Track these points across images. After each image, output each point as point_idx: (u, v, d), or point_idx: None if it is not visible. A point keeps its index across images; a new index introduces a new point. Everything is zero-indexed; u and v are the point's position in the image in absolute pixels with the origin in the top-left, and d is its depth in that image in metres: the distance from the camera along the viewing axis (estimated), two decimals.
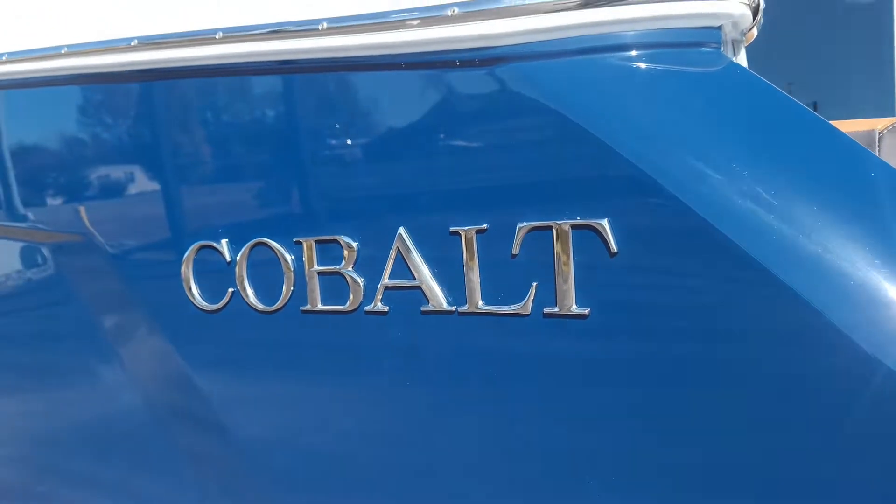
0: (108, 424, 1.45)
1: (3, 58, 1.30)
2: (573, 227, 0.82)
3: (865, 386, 0.72)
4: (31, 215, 1.38)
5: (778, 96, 0.79)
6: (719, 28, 0.82)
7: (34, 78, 1.27)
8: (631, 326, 0.82)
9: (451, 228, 0.90)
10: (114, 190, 1.24)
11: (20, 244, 1.45)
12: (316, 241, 1.01)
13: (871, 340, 0.71)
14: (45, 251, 1.40)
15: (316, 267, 1.01)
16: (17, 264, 1.49)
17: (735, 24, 0.83)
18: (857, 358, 0.71)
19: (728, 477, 0.81)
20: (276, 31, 0.99)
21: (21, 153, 1.36)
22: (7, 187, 1.38)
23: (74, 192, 1.29)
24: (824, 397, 0.75)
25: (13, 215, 1.40)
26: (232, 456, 1.25)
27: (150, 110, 1.13)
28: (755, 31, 0.87)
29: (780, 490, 0.80)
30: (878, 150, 1.12)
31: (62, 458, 1.54)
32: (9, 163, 1.37)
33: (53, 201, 1.33)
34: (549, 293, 0.84)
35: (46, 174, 1.32)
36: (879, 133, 1.14)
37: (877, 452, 0.73)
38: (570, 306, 0.83)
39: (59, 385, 1.51)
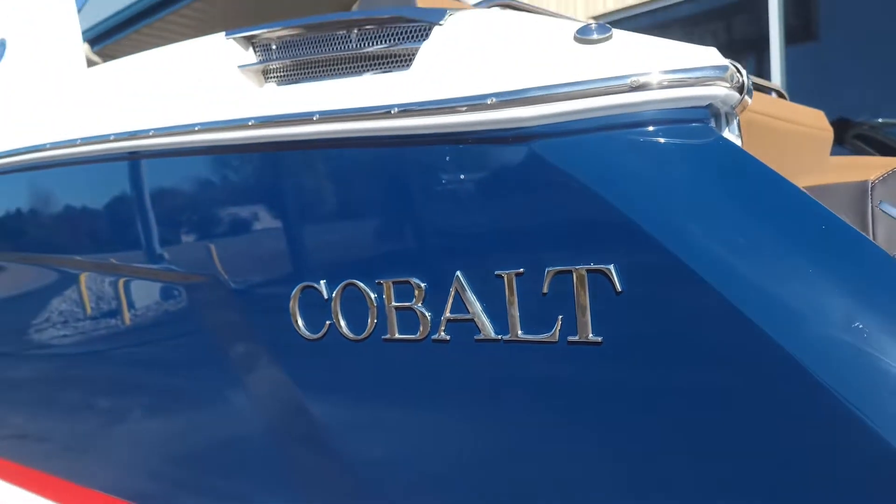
0: (228, 442, 1.71)
1: (150, 132, 1.61)
2: (588, 271, 1.01)
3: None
4: (169, 259, 1.68)
5: (754, 164, 0.95)
6: (707, 107, 0.99)
7: (171, 149, 1.57)
8: (633, 352, 1.00)
9: (496, 272, 1.10)
10: (239, 241, 1.51)
11: (159, 284, 1.76)
12: (393, 282, 1.24)
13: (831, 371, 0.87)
14: (180, 289, 1.69)
15: (393, 303, 1.24)
16: (155, 300, 1.80)
17: (723, 102, 1.00)
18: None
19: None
20: (363, 114, 1.23)
21: (165, 210, 1.67)
22: (150, 237, 1.69)
23: (207, 242, 1.58)
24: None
25: (156, 260, 1.71)
26: (330, 471, 1.48)
27: (268, 180, 1.40)
28: (748, 102, 1.03)
29: None
30: (871, 201, 1.23)
31: (191, 474, 1.83)
32: (153, 217, 1.68)
33: (190, 249, 1.63)
34: (571, 324, 1.03)
35: (185, 229, 1.61)
36: (872, 183, 1.26)
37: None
38: (588, 335, 1.02)
39: (186, 407, 1.79)
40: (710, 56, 0.99)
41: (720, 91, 0.97)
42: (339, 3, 4.08)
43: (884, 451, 0.85)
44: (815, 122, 2.39)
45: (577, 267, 1.02)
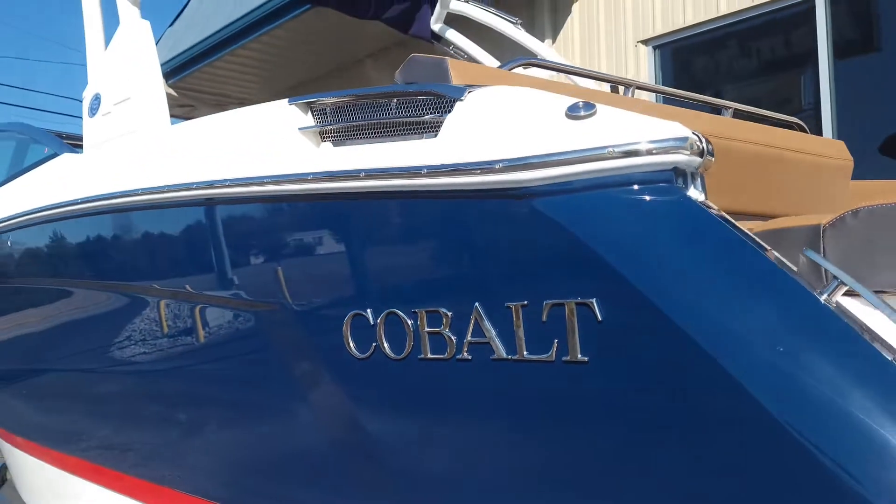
0: (294, 452, 1.98)
1: (226, 183, 1.90)
2: (577, 304, 1.25)
3: None
4: (241, 289, 1.96)
5: (706, 216, 1.17)
6: (672, 170, 1.21)
7: (242, 197, 1.85)
8: (611, 369, 1.24)
9: (506, 304, 1.35)
10: (300, 274, 1.79)
11: (232, 310, 2.04)
12: (426, 311, 1.49)
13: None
14: (251, 315, 1.97)
15: (426, 329, 1.49)
16: (228, 324, 2.08)
17: (687, 165, 1.22)
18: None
19: None
20: (399, 173, 1.49)
21: (237, 248, 1.95)
22: (224, 270, 1.98)
23: (273, 275, 1.86)
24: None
25: (230, 289, 1.99)
26: (380, 475, 1.74)
27: (323, 226, 1.68)
28: (710, 162, 1.25)
29: None
30: (823, 246, 1.41)
31: (266, 482, 2.11)
32: (227, 253, 1.96)
33: (258, 281, 1.91)
34: (564, 346, 1.27)
35: (254, 265, 1.90)
36: (823, 227, 1.44)
37: None
38: (577, 355, 1.25)
39: (257, 421, 2.07)
40: (674, 129, 1.21)
41: (682, 157, 1.20)
42: (375, 42, 4.34)
43: (792, 441, 1.05)
44: (834, 153, 2.57)
45: (568, 300, 1.25)
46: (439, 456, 1.57)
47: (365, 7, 4.56)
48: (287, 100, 1.75)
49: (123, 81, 2.49)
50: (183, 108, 12.75)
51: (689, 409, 1.17)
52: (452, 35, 4.64)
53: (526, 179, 1.28)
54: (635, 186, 1.21)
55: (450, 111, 1.43)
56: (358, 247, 1.62)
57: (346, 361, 1.63)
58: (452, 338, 1.44)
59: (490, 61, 4.55)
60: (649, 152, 1.19)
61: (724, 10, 6.46)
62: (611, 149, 1.20)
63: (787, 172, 2.34)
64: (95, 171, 2.43)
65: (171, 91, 8.63)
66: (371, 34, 8.12)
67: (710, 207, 1.24)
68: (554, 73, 3.48)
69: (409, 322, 1.50)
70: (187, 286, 2.14)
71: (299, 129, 1.67)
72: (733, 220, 1.22)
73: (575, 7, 7.65)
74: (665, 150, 1.20)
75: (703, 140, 1.21)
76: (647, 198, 1.21)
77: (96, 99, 2.62)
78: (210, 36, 10.17)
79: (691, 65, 7.21)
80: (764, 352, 1.08)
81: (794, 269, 1.17)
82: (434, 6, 4.58)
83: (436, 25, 4.62)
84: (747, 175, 2.20)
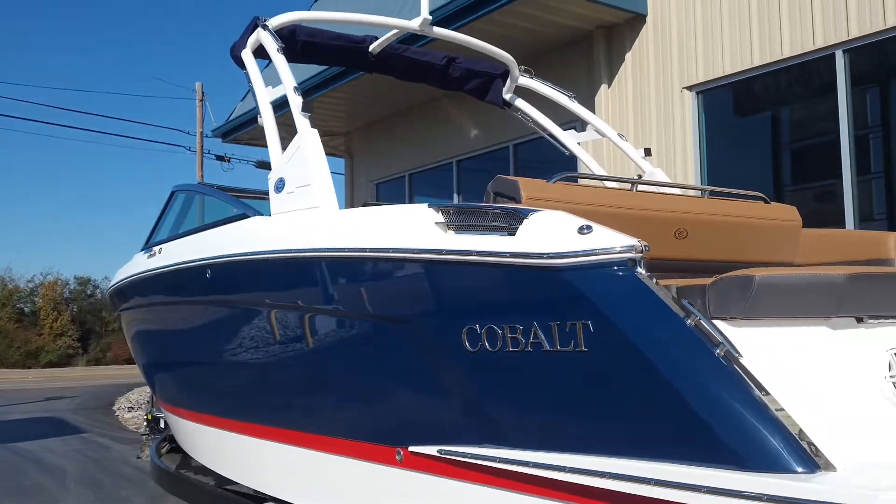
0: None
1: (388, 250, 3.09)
2: (578, 324, 2.36)
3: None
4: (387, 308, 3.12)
5: (641, 283, 2.25)
6: (627, 260, 2.27)
7: (392, 259, 3.04)
8: (608, 361, 2.32)
9: (532, 322, 2.46)
10: (433, 303, 2.95)
11: (374, 323, 3.17)
12: (497, 326, 2.63)
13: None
14: (391, 327, 3.11)
15: (507, 334, 2.64)
16: (372, 335, 3.22)
17: (634, 256, 2.30)
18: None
19: None
20: (494, 254, 2.64)
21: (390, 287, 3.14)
22: (375, 299, 3.14)
23: (414, 301, 3.03)
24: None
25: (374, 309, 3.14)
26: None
27: (449, 285, 2.80)
28: (648, 251, 2.32)
29: None
30: (707, 303, 2.44)
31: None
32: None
33: (404, 305, 3.05)
34: (574, 342, 2.38)
35: (404, 300, 3.06)
36: (707, 286, 2.46)
37: None
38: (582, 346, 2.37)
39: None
40: (629, 240, 2.27)
41: (631, 255, 2.27)
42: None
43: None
44: (786, 216, 3.65)
45: (569, 321, 2.34)
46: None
47: (446, 81, 5.68)
48: (427, 204, 2.88)
49: (303, 172, 3.70)
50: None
51: (634, 378, 2.23)
52: (520, 103, 5.75)
53: (558, 265, 2.37)
54: (609, 268, 2.31)
55: (521, 222, 2.54)
56: (465, 292, 2.70)
57: (465, 356, 2.71)
58: (522, 340, 2.52)
59: (549, 124, 5.66)
60: (616, 252, 2.28)
61: (757, 62, 7.44)
62: (598, 251, 2.31)
63: (747, 232, 3.42)
64: (287, 230, 3.63)
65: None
66: None
67: (642, 276, 2.30)
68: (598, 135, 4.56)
69: (498, 331, 2.59)
70: (342, 307, 3.29)
71: (435, 223, 2.81)
72: (652, 282, 2.27)
73: (628, 56, 8.70)
74: (624, 251, 2.28)
75: (642, 243, 2.28)
76: (618, 273, 2.29)
77: (281, 181, 3.84)
78: (307, 80, 11.51)
79: (727, 106, 8.18)
80: (665, 350, 2.15)
81: (682, 304, 2.23)
82: (506, 80, 5.68)
83: (507, 95, 5.73)
84: (718, 236, 3.30)
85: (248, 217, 4.06)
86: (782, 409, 2.00)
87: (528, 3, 8.06)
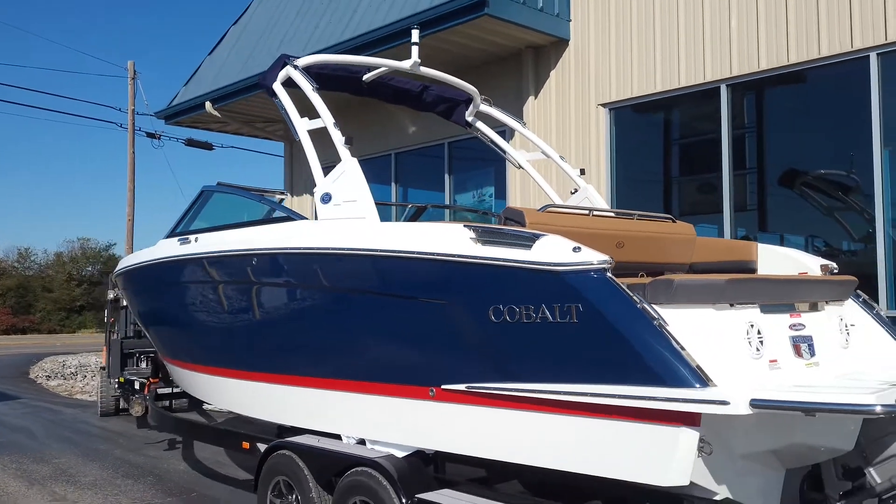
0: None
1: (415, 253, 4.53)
2: (566, 307, 3.88)
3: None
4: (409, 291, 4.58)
5: (608, 281, 3.76)
6: (602, 267, 3.78)
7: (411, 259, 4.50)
8: (596, 331, 3.85)
9: (528, 304, 3.96)
10: (453, 291, 4.41)
11: (399, 302, 4.62)
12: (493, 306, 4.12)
13: None
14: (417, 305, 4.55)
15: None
16: (394, 311, 4.69)
17: (601, 264, 3.81)
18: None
19: None
20: (512, 263, 4.10)
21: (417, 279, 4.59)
22: (400, 283, 4.59)
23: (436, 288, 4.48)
24: None
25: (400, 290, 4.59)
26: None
27: (472, 284, 4.28)
28: (612, 263, 3.84)
29: None
30: (647, 294, 4.00)
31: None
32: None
33: (429, 288, 4.50)
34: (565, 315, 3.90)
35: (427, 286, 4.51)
36: (646, 285, 4.04)
37: None
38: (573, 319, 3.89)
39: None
40: (599, 256, 3.76)
41: (605, 265, 3.77)
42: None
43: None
44: (685, 231, 5.30)
45: (563, 304, 3.84)
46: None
47: (421, 104, 7.10)
48: (462, 224, 4.29)
49: (350, 191, 5.02)
50: (218, 124, 15.11)
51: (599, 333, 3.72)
52: (480, 125, 7.23)
53: (560, 270, 3.79)
54: (591, 273, 3.78)
55: (535, 242, 3.94)
56: (491, 283, 4.07)
57: (489, 324, 4.16)
58: (534, 315, 3.98)
59: (503, 143, 7.17)
60: (595, 263, 3.72)
61: (659, 88, 9.17)
62: (584, 262, 3.74)
63: (660, 243, 5.03)
64: (340, 233, 4.94)
65: (214, 111, 11.46)
66: None
67: (611, 277, 3.78)
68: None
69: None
70: (393, 291, 4.68)
71: (469, 238, 4.20)
72: (618, 281, 3.78)
73: (552, 73, 10.28)
74: (600, 263, 3.64)
75: (610, 258, 3.73)
76: (596, 276, 3.77)
77: (327, 195, 5.12)
78: (254, 76, 12.47)
79: (635, 122, 9.90)
80: (624, 320, 3.64)
81: (632, 294, 3.75)
82: (469, 105, 7.15)
83: (469, 118, 7.20)
84: (643, 246, 4.90)
85: (294, 220, 5.36)
86: (689, 353, 3.52)
87: (471, 26, 9.50)
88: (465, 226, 4.12)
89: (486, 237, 4.01)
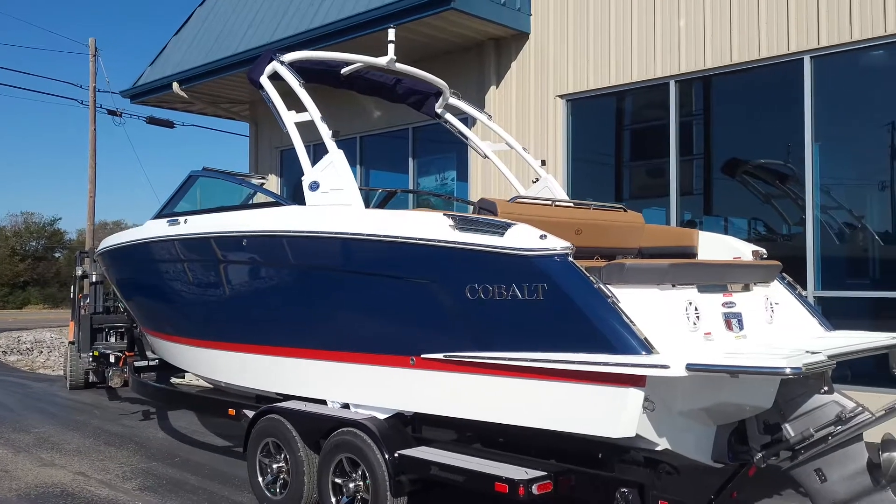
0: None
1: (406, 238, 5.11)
2: (530, 288, 4.49)
3: None
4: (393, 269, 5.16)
5: (569, 264, 4.37)
6: (565, 252, 4.37)
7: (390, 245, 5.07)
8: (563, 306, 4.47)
9: (495, 284, 4.57)
10: (425, 268, 5.00)
11: (381, 280, 5.20)
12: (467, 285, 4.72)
13: None
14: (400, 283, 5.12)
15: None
16: (382, 289, 5.26)
17: (564, 249, 4.40)
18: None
19: None
20: (488, 249, 4.69)
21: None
22: (379, 261, 5.19)
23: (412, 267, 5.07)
24: None
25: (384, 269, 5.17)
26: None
27: (444, 266, 4.87)
28: (572, 249, 4.45)
29: None
30: (602, 276, 4.63)
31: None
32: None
33: (406, 267, 5.09)
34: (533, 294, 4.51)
35: (402, 266, 5.11)
36: (600, 269, 4.67)
37: None
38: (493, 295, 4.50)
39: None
40: (563, 243, 4.38)
41: (567, 251, 4.36)
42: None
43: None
44: (635, 220, 5.97)
45: (524, 284, 4.44)
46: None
47: (393, 96, 7.63)
48: (443, 213, 4.85)
49: (337, 180, 5.54)
50: (183, 104, 15.34)
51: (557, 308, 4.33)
52: (449, 117, 7.79)
53: (529, 254, 4.31)
54: (555, 257, 4.35)
55: (507, 230, 4.50)
56: (467, 265, 4.67)
57: (465, 300, 4.75)
58: (505, 293, 4.59)
59: (470, 134, 7.74)
60: (559, 249, 4.28)
61: (614, 82, 9.81)
62: (549, 248, 4.31)
63: (613, 230, 5.69)
64: (327, 218, 5.45)
65: (181, 92, 11.91)
66: None
67: (572, 262, 4.37)
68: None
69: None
70: (377, 271, 5.25)
71: (449, 225, 4.73)
72: (578, 264, 4.38)
73: (513, 65, 10.85)
74: (563, 249, 4.21)
75: (571, 244, 4.34)
76: (559, 260, 4.34)
77: (315, 183, 5.62)
78: (219, 59, 12.78)
79: (593, 115, 10.53)
80: (583, 298, 4.24)
81: (590, 276, 4.34)
82: (438, 98, 7.70)
83: (438, 109, 7.75)
84: (598, 233, 5.55)
85: (283, 205, 5.86)
86: (637, 326, 4.13)
87: (437, 18, 10.00)
88: (444, 214, 4.68)
89: (463, 225, 4.57)
